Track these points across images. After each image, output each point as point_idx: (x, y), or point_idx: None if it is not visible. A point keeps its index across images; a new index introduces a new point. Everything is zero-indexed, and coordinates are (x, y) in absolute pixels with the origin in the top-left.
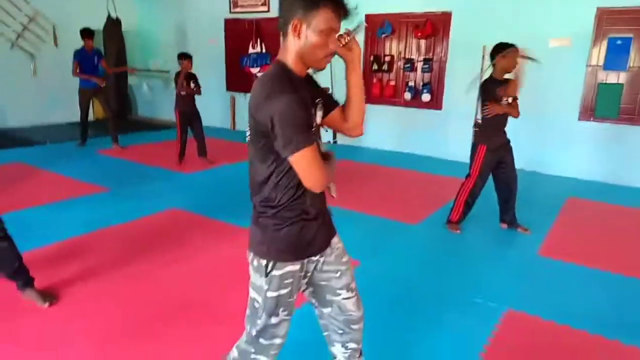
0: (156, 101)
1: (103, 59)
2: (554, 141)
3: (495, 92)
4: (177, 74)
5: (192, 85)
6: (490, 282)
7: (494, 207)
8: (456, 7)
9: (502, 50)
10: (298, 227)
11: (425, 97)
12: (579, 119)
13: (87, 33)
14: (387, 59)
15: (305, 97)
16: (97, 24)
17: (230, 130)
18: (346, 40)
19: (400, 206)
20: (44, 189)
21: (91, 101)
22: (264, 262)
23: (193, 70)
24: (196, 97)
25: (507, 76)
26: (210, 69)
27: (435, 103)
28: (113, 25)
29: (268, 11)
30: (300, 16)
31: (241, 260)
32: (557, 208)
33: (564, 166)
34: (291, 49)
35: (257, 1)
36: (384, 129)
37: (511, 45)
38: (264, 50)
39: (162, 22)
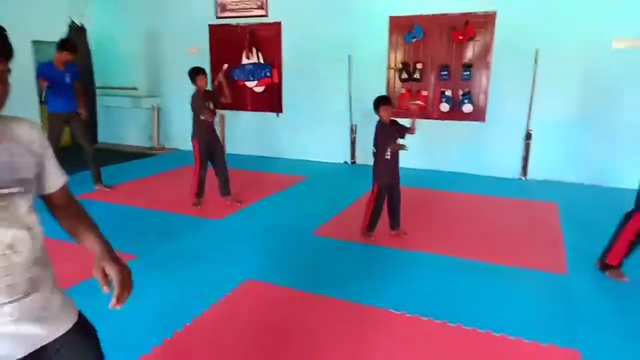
0: (120, 124)
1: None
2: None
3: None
4: (194, 96)
5: (211, 106)
6: None
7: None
8: (501, 7)
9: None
10: None
11: (467, 107)
12: None
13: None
14: (419, 66)
15: None
16: (57, 33)
17: None
18: None
19: (512, 246)
20: None
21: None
22: None
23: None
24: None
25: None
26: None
27: (478, 114)
28: (77, 34)
29: (266, 16)
30: None
31: (399, 350)
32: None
33: None
34: None
35: (251, 5)
36: (413, 145)
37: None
38: (261, 61)
39: (129, 30)
